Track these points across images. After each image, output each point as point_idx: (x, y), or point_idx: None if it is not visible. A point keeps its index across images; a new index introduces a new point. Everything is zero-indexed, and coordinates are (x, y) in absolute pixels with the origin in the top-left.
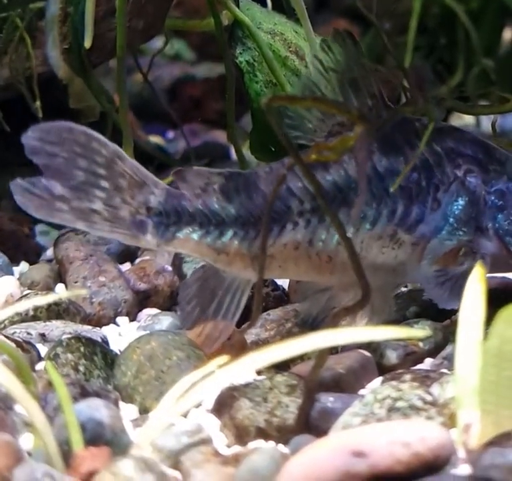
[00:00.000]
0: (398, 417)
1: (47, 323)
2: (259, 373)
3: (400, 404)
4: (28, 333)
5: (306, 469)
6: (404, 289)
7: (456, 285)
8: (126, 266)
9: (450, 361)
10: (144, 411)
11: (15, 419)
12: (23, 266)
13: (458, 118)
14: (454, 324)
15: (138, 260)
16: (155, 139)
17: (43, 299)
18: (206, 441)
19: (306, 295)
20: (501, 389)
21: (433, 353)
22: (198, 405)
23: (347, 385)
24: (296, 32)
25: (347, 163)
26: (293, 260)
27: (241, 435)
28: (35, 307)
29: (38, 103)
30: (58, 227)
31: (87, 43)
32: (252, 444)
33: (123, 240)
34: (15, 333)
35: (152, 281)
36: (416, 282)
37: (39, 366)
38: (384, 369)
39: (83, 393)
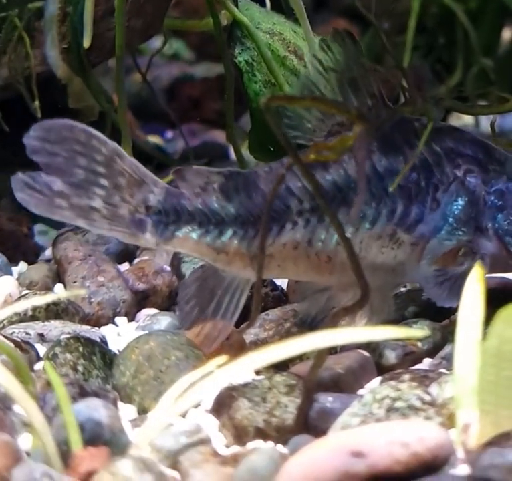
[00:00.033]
0: (397, 417)
1: (46, 322)
2: (257, 373)
3: (398, 404)
4: (27, 333)
5: (305, 470)
6: (403, 289)
7: (455, 285)
8: (125, 266)
9: (448, 361)
10: (142, 411)
11: (13, 419)
12: (22, 266)
13: (457, 118)
14: (452, 324)
15: (136, 260)
16: (154, 139)
17: (42, 299)
18: (205, 441)
19: (305, 295)
20: (500, 389)
21: (432, 353)
22: (196, 405)
23: (346, 385)
24: (295, 32)
25: (347, 163)
26: (292, 260)
27: (240, 435)
28: (33, 307)
29: (37, 102)
30: (57, 227)
31: (86, 43)
32: (251, 444)
33: (123, 238)
34: (13, 333)
35: (151, 281)
36: (415, 282)
37: (38, 366)
38: (382, 369)
39: (81, 393)
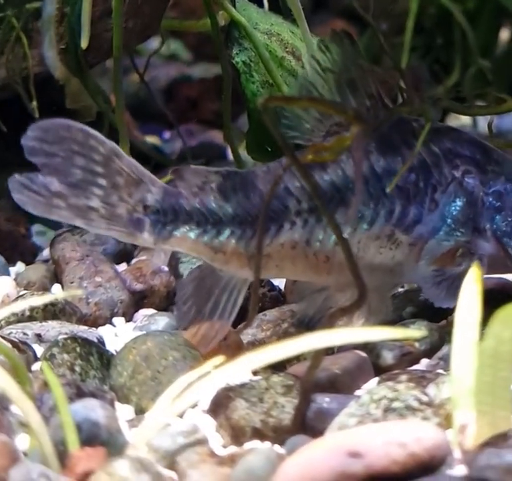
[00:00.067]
0: (394, 417)
1: (43, 323)
2: (255, 373)
3: (396, 405)
4: (24, 334)
5: (302, 470)
6: (400, 290)
7: (453, 285)
8: (122, 267)
9: (446, 361)
10: (139, 411)
11: (10, 419)
12: (20, 266)
13: (455, 119)
14: (450, 324)
15: (134, 261)
16: (151, 139)
17: (39, 299)
18: (202, 442)
19: (303, 295)
20: (497, 389)
21: (429, 353)
22: (194, 406)
23: (343, 385)
24: (293, 32)
25: (345, 163)
26: (290, 260)
27: (237, 435)
28: (31, 307)
29: (35, 103)
30: (55, 227)
31: (84, 44)
32: (248, 445)
33: (120, 237)
34: (11, 333)
35: (148, 281)
36: (413, 283)
37: (35, 366)
38: (380, 370)
39: (79, 393)
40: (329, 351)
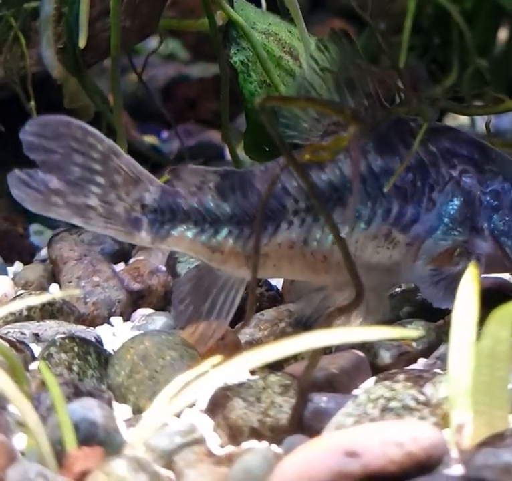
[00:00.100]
0: (391, 417)
1: (41, 322)
2: (252, 373)
3: (393, 404)
4: (22, 333)
5: (299, 469)
6: (397, 289)
7: (451, 285)
8: (120, 266)
9: (443, 361)
10: (137, 410)
11: (8, 418)
12: (17, 266)
13: (453, 118)
14: (447, 324)
15: (132, 260)
16: (149, 139)
17: (37, 299)
18: (200, 441)
19: (300, 295)
20: (494, 389)
21: (426, 353)
22: (191, 405)
23: (340, 385)
24: (290, 32)
25: (343, 162)
26: (288, 259)
27: (234, 435)
28: (28, 307)
29: (32, 103)
30: (52, 227)
31: (82, 43)
32: (245, 444)
33: (118, 236)
34: (8, 332)
35: (146, 281)
36: (410, 282)
37: (33, 366)
38: (377, 369)
39: (76, 392)
40: (327, 351)
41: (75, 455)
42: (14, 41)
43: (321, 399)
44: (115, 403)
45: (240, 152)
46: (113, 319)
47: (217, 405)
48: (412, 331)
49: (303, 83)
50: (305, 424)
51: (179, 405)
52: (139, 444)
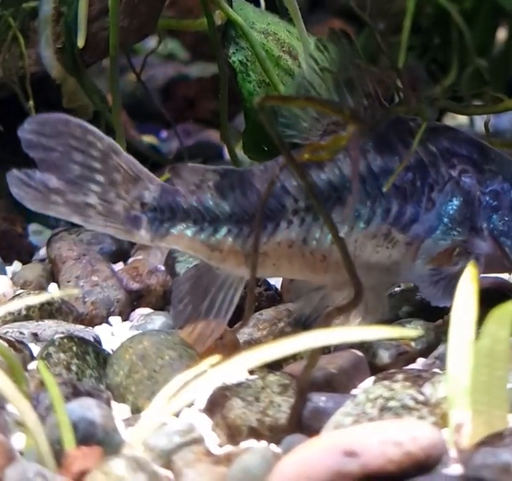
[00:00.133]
0: (390, 416)
1: (40, 322)
2: (251, 372)
3: (392, 404)
4: (20, 333)
5: (298, 469)
6: (397, 289)
7: (450, 284)
8: (119, 266)
9: (442, 360)
10: (136, 410)
11: (6, 418)
12: (16, 265)
13: (452, 118)
14: (446, 324)
15: (130, 260)
16: (148, 138)
17: (36, 299)
18: (198, 441)
19: (299, 294)
20: (493, 389)
21: (425, 352)
22: (190, 405)
23: (339, 384)
24: (289, 32)
25: (342, 162)
26: (287, 259)
27: (233, 434)
28: (27, 307)
29: (31, 102)
30: (51, 226)
31: (81, 43)
32: (244, 444)
33: (117, 235)
34: (7, 332)
35: (145, 281)
36: (409, 282)
37: (32, 365)
38: (376, 369)
39: (75, 392)
40: (326, 350)
41: (74, 454)
42: (13, 40)
43: (320, 399)
44: (113, 403)
45: (239, 152)
46: (112, 319)
47: (216, 404)
48: (411, 331)
49: (302, 83)
50: (304, 424)
51: (178, 405)
52: (138, 444)
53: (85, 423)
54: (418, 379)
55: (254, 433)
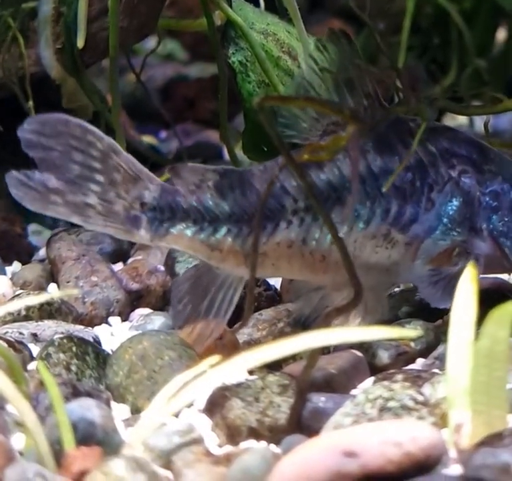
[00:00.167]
0: (390, 417)
1: (39, 322)
2: (250, 372)
3: (391, 404)
4: (20, 333)
5: (297, 469)
6: (396, 289)
7: (449, 285)
8: (119, 266)
9: (441, 361)
10: (135, 410)
11: (6, 418)
12: (16, 265)
13: (452, 118)
14: (445, 324)
15: (130, 260)
16: (148, 139)
17: (35, 299)
18: (198, 441)
19: (299, 294)
20: (492, 389)
21: (425, 353)
22: (189, 405)
23: (338, 385)
24: (289, 32)
25: (342, 162)
26: (287, 259)
27: (233, 435)
28: (27, 307)
29: (31, 103)
30: (51, 227)
31: (80, 43)
32: (244, 444)
33: (117, 234)
34: (7, 332)
35: (145, 281)
36: (409, 282)
37: (31, 366)
38: (375, 369)
39: (74, 392)
40: (325, 351)
41: (74, 455)
42: (12, 40)
43: (320, 399)
44: (113, 403)
45: (239, 152)
46: (111, 319)
47: (215, 405)
48: (411, 331)
49: (301, 83)
50: (304, 424)
51: (177, 405)
52: (137, 444)
53: (84, 423)
54: (417, 380)
55: (254, 434)
